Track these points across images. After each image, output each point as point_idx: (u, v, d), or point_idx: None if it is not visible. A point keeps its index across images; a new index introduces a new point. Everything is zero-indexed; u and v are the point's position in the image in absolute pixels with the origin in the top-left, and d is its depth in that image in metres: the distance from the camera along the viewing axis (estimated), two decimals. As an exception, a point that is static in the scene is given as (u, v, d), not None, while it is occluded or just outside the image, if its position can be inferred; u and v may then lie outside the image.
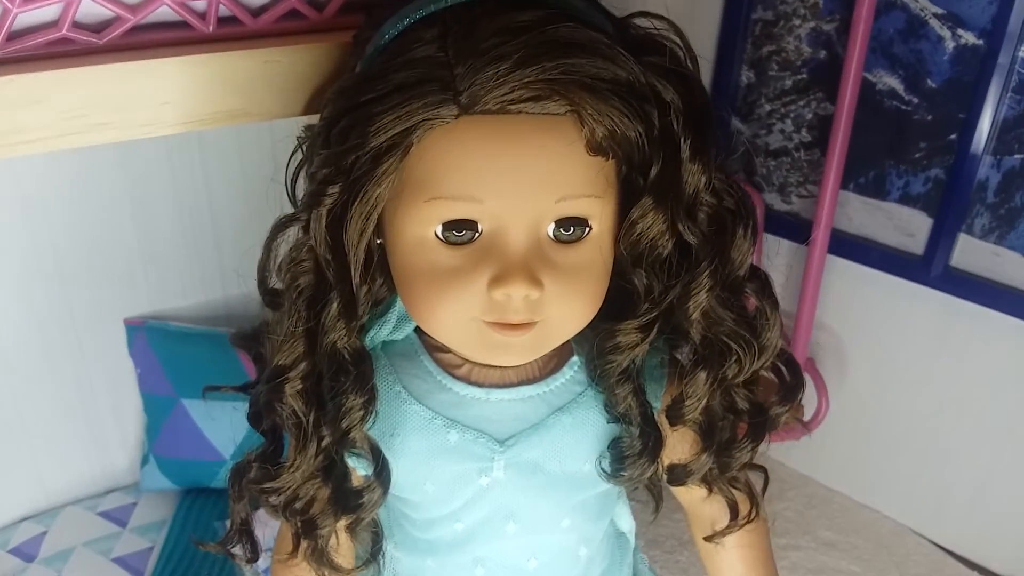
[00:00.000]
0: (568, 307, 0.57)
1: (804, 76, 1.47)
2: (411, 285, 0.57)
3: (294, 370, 0.59)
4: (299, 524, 0.64)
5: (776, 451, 1.78)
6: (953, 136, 1.34)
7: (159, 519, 1.28)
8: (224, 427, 1.19)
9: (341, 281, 0.57)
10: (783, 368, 0.66)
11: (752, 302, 0.62)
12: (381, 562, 0.68)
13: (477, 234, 0.54)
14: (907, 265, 1.43)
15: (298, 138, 0.61)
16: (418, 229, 0.55)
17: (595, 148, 0.52)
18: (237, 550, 0.69)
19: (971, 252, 1.37)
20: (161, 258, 1.30)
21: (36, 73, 0.55)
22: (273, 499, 0.63)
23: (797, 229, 1.51)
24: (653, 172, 0.54)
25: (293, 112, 0.65)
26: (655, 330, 0.60)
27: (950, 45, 1.31)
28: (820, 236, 1.46)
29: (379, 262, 0.61)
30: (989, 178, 1.32)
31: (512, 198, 0.53)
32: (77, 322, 1.27)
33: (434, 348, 0.66)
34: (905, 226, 1.43)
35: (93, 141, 0.58)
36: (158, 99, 0.60)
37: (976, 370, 1.44)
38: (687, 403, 0.62)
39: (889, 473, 1.61)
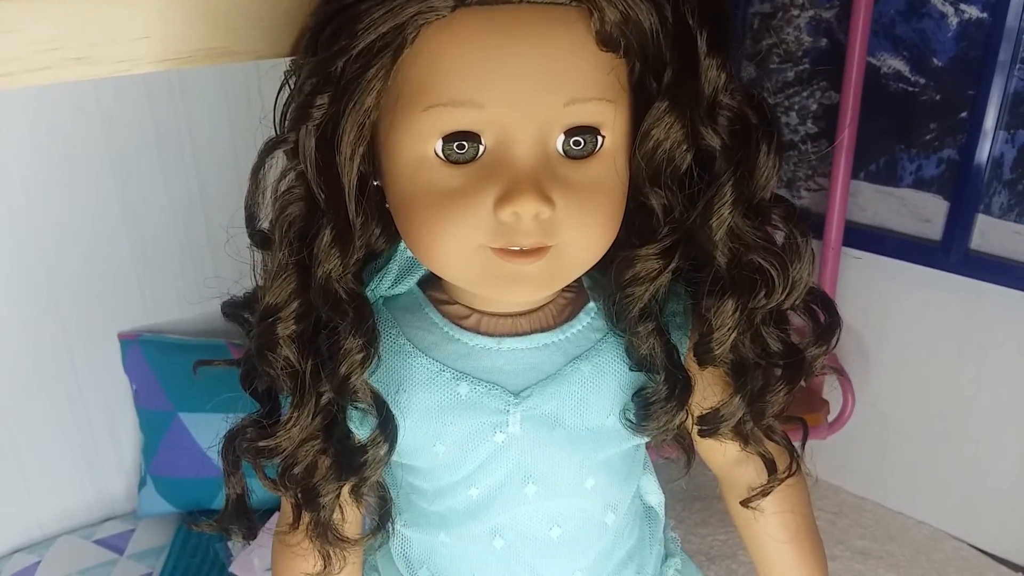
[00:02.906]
0: (583, 229, 0.52)
1: (806, 66, 1.45)
2: (411, 212, 0.53)
3: (286, 309, 0.55)
4: (299, 494, 0.58)
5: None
6: (963, 114, 1.31)
7: (158, 545, 1.22)
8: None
9: (334, 207, 0.52)
10: (816, 307, 0.61)
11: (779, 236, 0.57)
12: (390, 528, 0.62)
13: (481, 149, 0.50)
14: (925, 252, 1.39)
15: (285, 72, 0.57)
16: (416, 147, 0.50)
17: (606, 40, 0.48)
18: (233, 529, 0.63)
19: (991, 233, 1.33)
20: (155, 269, 1.26)
21: (8, 1, 0.52)
22: (269, 463, 0.58)
23: (809, 224, 1.47)
24: (668, 73, 0.50)
25: (279, 51, 0.61)
26: (676, 256, 0.55)
27: (954, 21, 1.28)
28: (833, 228, 1.43)
29: (377, 209, 0.57)
30: (1004, 154, 1.29)
31: (516, 101, 0.48)
32: (70, 340, 1.23)
33: (439, 301, 0.61)
34: (920, 211, 1.40)
35: (66, 77, 0.54)
36: (136, 33, 0.56)
37: (1005, 356, 1.38)
38: (715, 335, 0.57)
39: (920, 476, 1.54)
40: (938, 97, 1.33)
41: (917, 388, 1.50)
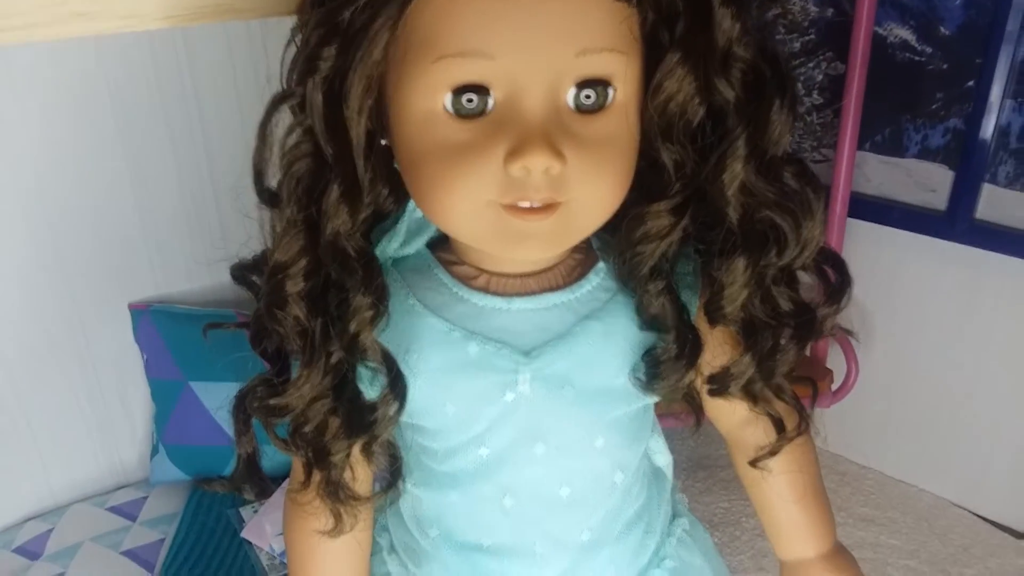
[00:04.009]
0: (593, 185, 0.52)
1: (812, 36, 1.44)
2: (419, 168, 0.53)
3: (295, 266, 0.54)
4: (310, 453, 0.59)
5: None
6: (970, 83, 1.30)
7: (170, 511, 1.23)
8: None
9: (342, 163, 0.52)
10: (827, 268, 0.61)
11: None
12: (401, 486, 0.63)
13: (490, 103, 0.50)
14: (931, 222, 1.39)
15: (291, 28, 0.57)
16: (425, 100, 0.50)
17: None
18: (245, 488, 0.64)
19: (997, 202, 1.33)
20: (165, 239, 1.27)
21: (14, -45, 0.52)
22: (279, 421, 0.59)
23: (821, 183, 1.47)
24: (681, 23, 0.50)
25: (283, 8, 0.61)
26: (687, 213, 0.55)
27: (962, -11, 1.28)
28: (839, 200, 1.42)
29: (385, 168, 0.57)
30: (1011, 123, 1.28)
31: (527, 52, 0.48)
32: (80, 310, 1.24)
33: (448, 262, 0.62)
34: (926, 182, 1.39)
35: (71, 32, 0.55)
36: (142, -11, 0.56)
37: (1010, 326, 1.39)
38: (726, 293, 0.57)
39: (923, 445, 1.55)
40: (945, 66, 1.32)
41: (921, 358, 1.50)
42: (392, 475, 0.62)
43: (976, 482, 1.51)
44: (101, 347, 1.27)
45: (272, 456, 0.63)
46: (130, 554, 1.15)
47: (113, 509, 1.25)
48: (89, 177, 1.19)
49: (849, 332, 0.65)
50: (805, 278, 0.60)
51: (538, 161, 0.49)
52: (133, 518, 1.23)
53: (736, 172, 0.53)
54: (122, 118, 1.18)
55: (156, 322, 1.24)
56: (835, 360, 1.53)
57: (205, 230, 1.28)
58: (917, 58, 1.35)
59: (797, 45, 1.46)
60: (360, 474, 0.62)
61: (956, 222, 1.36)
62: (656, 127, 0.53)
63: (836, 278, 0.61)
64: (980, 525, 1.49)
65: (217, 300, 1.32)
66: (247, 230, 0.61)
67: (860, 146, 1.42)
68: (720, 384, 0.61)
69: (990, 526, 1.49)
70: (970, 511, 1.52)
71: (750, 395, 0.62)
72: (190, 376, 1.22)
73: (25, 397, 1.23)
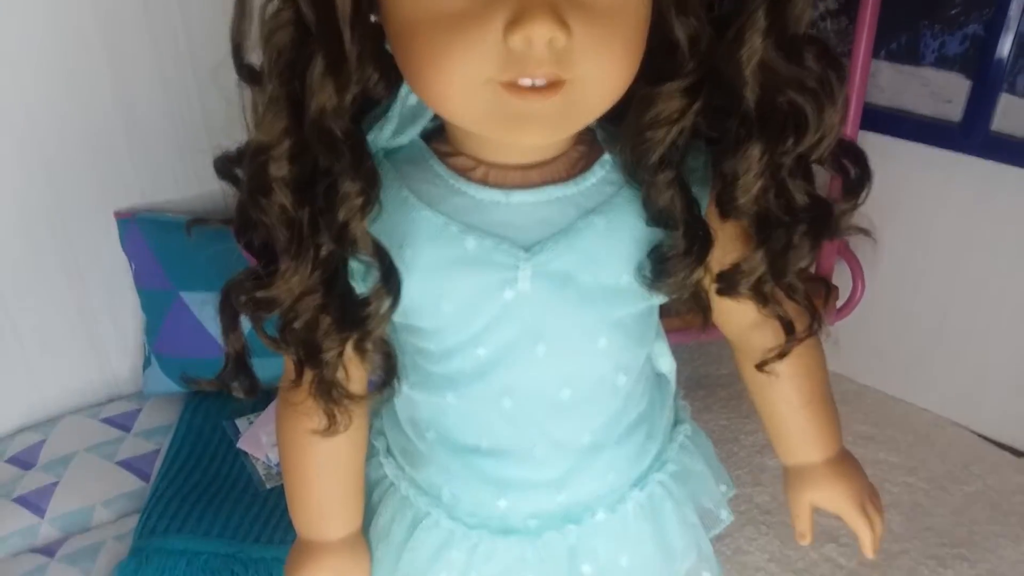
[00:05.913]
0: (602, 60, 0.48)
1: (828, -64, 1.37)
2: (411, 41, 0.49)
3: (278, 148, 0.51)
4: (301, 351, 0.57)
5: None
6: (993, -14, 1.24)
7: (165, 423, 1.23)
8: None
9: (326, 32, 0.48)
10: (846, 162, 0.58)
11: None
12: (395, 385, 0.61)
13: None
14: (945, 133, 1.35)
15: None
16: None
17: None
18: (234, 386, 0.61)
19: (1014, 113, 1.28)
20: (150, 147, 1.22)
21: None
22: (267, 316, 0.56)
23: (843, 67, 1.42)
24: None
25: None
26: (701, 96, 0.52)
27: None
28: (852, 110, 1.37)
29: (374, 48, 0.53)
30: (1033, 29, 1.23)
31: None
32: (66, 219, 1.21)
33: (444, 153, 0.58)
34: (942, 92, 1.34)
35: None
36: None
37: (1019, 242, 1.36)
38: (740, 183, 0.54)
39: (924, 364, 1.54)
40: (966, -33, 1.26)
41: (927, 274, 1.48)
42: (387, 373, 0.60)
43: (976, 400, 1.50)
44: (88, 257, 1.24)
45: (273, 369, 0.61)
46: (125, 464, 1.15)
47: (107, 420, 1.23)
48: (72, 84, 1.14)
49: (864, 231, 0.62)
50: (821, 176, 0.57)
51: (541, 31, 0.45)
52: (127, 429, 1.22)
53: (755, 47, 0.49)
54: (104, 20, 1.13)
55: (143, 231, 1.21)
56: (839, 277, 1.51)
57: (191, 137, 1.23)
58: (937, -42, 1.28)
59: (812, -54, 1.39)
60: (354, 373, 0.59)
61: (971, 133, 1.31)
62: None
63: (855, 172, 0.57)
64: (979, 443, 1.49)
65: (206, 209, 1.28)
66: (229, 117, 0.58)
67: (875, 54, 1.37)
68: (729, 282, 0.58)
69: (989, 444, 1.49)
70: (970, 429, 1.52)
71: (760, 295, 0.59)
72: (180, 286, 1.20)
73: (12, 309, 1.21)
